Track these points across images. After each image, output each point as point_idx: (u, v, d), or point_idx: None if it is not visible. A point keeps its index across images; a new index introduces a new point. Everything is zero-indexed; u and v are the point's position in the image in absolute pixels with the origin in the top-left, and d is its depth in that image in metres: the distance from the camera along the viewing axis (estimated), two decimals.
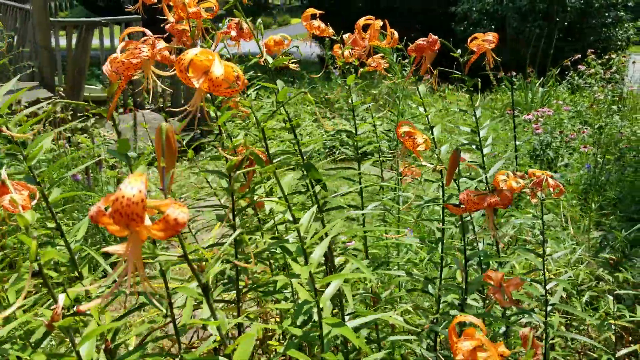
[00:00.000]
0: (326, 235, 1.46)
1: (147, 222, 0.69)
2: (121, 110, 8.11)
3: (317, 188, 1.85)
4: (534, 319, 2.08)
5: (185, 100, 8.50)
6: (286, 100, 1.42)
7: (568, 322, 3.24)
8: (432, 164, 1.84)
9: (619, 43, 12.81)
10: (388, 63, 2.31)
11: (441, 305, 2.16)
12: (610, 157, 5.95)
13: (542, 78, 9.58)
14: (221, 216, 1.81)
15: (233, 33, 1.88)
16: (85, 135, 5.16)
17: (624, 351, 2.49)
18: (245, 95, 2.16)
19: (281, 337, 2.17)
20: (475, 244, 2.02)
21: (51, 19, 8.18)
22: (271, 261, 2.10)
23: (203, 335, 2.42)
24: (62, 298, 0.97)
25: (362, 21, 1.88)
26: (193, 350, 2.08)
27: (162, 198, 0.91)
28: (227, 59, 2.04)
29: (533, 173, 1.97)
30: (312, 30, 2.11)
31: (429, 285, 2.13)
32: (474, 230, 1.91)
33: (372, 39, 1.85)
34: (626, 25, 12.97)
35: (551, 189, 1.86)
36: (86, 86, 8.21)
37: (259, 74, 2.02)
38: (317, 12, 2.16)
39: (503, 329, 2.21)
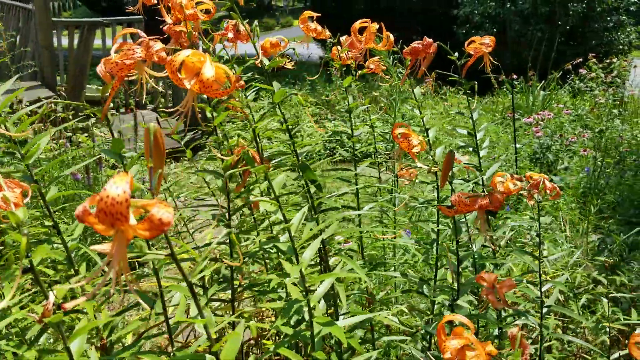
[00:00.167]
0: (320, 233, 1.47)
1: (132, 221, 0.70)
2: (123, 110, 8.15)
3: (313, 188, 1.87)
4: (529, 321, 2.09)
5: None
6: (281, 101, 1.43)
7: (565, 325, 3.24)
8: (428, 166, 1.85)
9: (621, 47, 12.81)
10: (385, 65, 2.32)
11: (436, 307, 2.17)
12: (610, 161, 5.95)
13: (543, 81, 9.59)
14: (217, 216, 1.83)
15: (230, 35, 1.89)
16: (86, 134, 5.18)
17: (617, 354, 2.49)
18: (244, 96, 2.18)
19: (276, 336, 2.19)
20: (470, 246, 2.02)
21: (53, 18, 8.21)
22: (267, 261, 2.11)
23: (198, 334, 2.43)
24: (53, 295, 0.99)
25: (358, 24, 1.90)
26: (187, 348, 2.09)
27: (158, 198, 0.93)
28: (226, 61, 2.06)
29: (531, 176, 1.99)
30: (308, 32, 2.12)
31: (424, 287, 2.14)
32: (469, 231, 1.91)
33: (367, 41, 1.86)
34: (628, 29, 12.97)
35: (548, 191, 1.88)
36: (88, 86, 8.24)
37: (257, 76, 2.04)
38: (314, 14, 2.17)
39: (498, 330, 2.21)
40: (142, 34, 1.36)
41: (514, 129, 3.64)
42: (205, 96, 1.88)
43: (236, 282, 1.85)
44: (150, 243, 1.61)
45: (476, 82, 2.29)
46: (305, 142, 1.89)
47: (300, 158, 1.97)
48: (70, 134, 5.21)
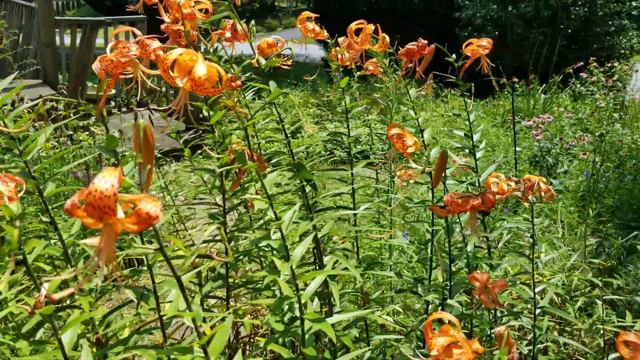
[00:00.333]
0: (315, 230, 1.49)
1: (120, 215, 0.72)
2: (124, 109, 8.17)
3: (308, 188, 1.88)
4: (522, 322, 2.10)
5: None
6: (282, 101, 1.45)
7: (562, 327, 3.25)
8: (422, 166, 1.86)
9: (623, 51, 12.81)
10: (382, 67, 2.34)
11: (430, 307, 2.19)
12: (610, 165, 5.96)
13: (544, 85, 9.60)
14: (213, 214, 1.85)
15: (228, 34, 1.91)
16: (87, 133, 5.21)
17: (612, 356, 2.51)
18: (243, 96, 2.20)
19: (271, 333, 2.20)
20: (464, 246, 2.04)
21: (56, 17, 8.24)
22: (262, 259, 2.13)
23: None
24: (45, 287, 1.00)
25: (353, 25, 1.91)
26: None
27: (154, 196, 0.94)
28: (226, 60, 2.08)
29: (528, 179, 2.00)
30: (306, 33, 2.14)
31: (419, 287, 2.16)
32: (462, 232, 1.93)
33: (363, 42, 1.87)
34: (630, 33, 12.96)
35: (542, 193, 1.89)
36: (90, 85, 8.27)
37: (254, 76, 2.06)
38: (313, 15, 2.19)
39: (490, 330, 2.23)
40: (138, 32, 1.38)
41: (514, 132, 3.66)
42: (203, 96, 1.90)
43: (231, 280, 1.87)
44: (146, 240, 1.62)
45: (473, 84, 2.30)
46: (300, 142, 1.91)
47: (296, 157, 1.98)
48: (72, 132, 5.23)
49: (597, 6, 12.46)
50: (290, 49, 1.95)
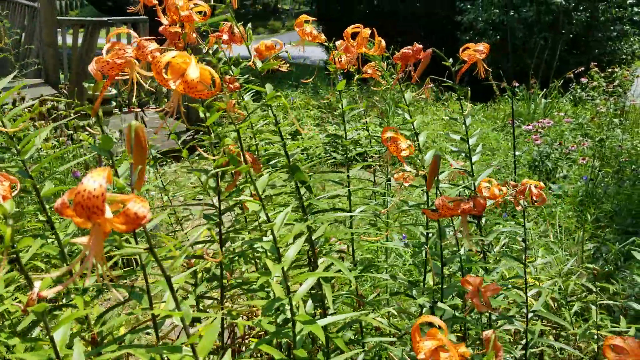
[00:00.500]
0: (310, 231, 1.50)
1: (109, 214, 0.73)
2: (125, 109, 8.18)
3: (303, 189, 1.90)
4: (515, 325, 2.11)
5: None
6: (271, 102, 1.46)
7: (557, 332, 3.26)
8: (417, 169, 1.87)
9: (624, 57, 12.82)
10: (379, 70, 2.35)
11: (424, 310, 2.19)
12: (609, 170, 5.97)
13: (545, 89, 9.61)
14: (208, 215, 1.86)
15: (225, 37, 1.92)
16: (87, 132, 5.22)
17: None
18: (242, 97, 2.21)
19: (264, 334, 2.21)
20: (458, 250, 2.05)
21: (58, 17, 8.26)
22: (257, 260, 2.14)
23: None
24: (38, 284, 1.02)
25: (350, 29, 1.93)
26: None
27: (149, 195, 0.95)
28: (225, 62, 2.09)
29: (526, 183, 2.01)
30: (304, 36, 2.16)
31: (413, 290, 2.16)
32: (455, 235, 1.94)
33: (359, 46, 1.89)
34: (632, 39, 12.97)
35: (534, 197, 1.90)
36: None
37: (252, 78, 2.07)
38: (310, 18, 2.21)
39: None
40: (134, 33, 1.40)
41: (514, 136, 3.67)
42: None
43: (225, 281, 1.88)
44: (145, 240, 1.64)
45: (470, 89, 2.32)
46: (298, 144, 1.92)
47: (295, 159, 2.00)
48: (72, 132, 5.25)
49: (599, 11, 12.48)
50: (286, 51, 1.97)
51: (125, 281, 2.43)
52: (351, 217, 2.34)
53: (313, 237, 1.76)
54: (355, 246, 2.60)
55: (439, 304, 1.74)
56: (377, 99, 8.59)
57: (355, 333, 2.36)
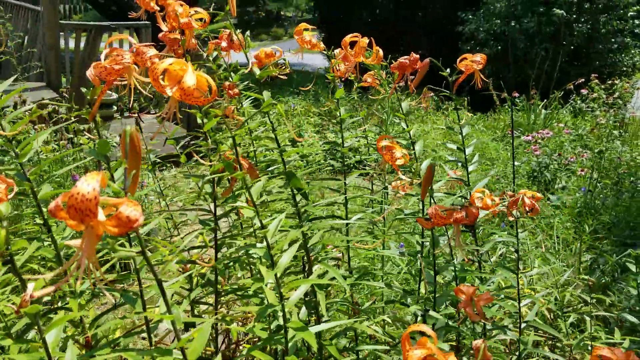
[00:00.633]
0: (305, 238, 1.51)
1: (102, 217, 0.74)
2: (127, 114, 8.21)
3: (299, 197, 1.91)
4: (508, 335, 2.12)
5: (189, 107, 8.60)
6: (268, 109, 1.48)
7: (553, 343, 3.26)
8: (411, 178, 1.89)
9: (625, 69, 12.86)
10: (378, 79, 2.37)
11: (419, 319, 2.20)
12: (608, 182, 5.98)
13: (545, 100, 9.64)
14: (203, 220, 1.87)
15: (224, 44, 1.94)
16: (87, 137, 5.24)
17: None
18: (241, 104, 2.23)
19: (258, 340, 2.22)
20: (452, 259, 2.06)
21: (62, 21, 8.30)
22: (252, 266, 2.15)
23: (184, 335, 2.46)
24: (31, 286, 1.03)
25: (348, 38, 1.95)
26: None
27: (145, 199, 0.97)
28: (225, 69, 2.11)
29: (524, 194, 2.03)
30: (303, 44, 2.18)
31: (408, 298, 2.17)
32: (450, 244, 1.95)
33: (357, 55, 1.91)
34: (633, 51, 13.02)
35: (527, 208, 1.91)
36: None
37: (251, 85, 2.09)
38: (310, 26, 2.23)
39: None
40: (132, 40, 1.41)
41: (513, 146, 3.68)
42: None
43: (220, 287, 1.89)
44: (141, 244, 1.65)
45: (468, 98, 2.34)
46: (295, 151, 1.93)
47: (294, 166, 2.01)
48: (72, 136, 5.26)
49: (600, 23, 12.53)
50: (284, 59, 1.98)
51: (122, 285, 2.44)
52: (347, 224, 2.35)
53: (308, 244, 1.77)
54: (351, 254, 2.60)
55: (431, 313, 1.74)
56: (377, 107, 8.62)
57: (349, 341, 2.36)
